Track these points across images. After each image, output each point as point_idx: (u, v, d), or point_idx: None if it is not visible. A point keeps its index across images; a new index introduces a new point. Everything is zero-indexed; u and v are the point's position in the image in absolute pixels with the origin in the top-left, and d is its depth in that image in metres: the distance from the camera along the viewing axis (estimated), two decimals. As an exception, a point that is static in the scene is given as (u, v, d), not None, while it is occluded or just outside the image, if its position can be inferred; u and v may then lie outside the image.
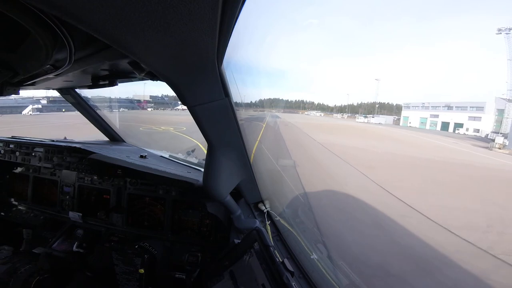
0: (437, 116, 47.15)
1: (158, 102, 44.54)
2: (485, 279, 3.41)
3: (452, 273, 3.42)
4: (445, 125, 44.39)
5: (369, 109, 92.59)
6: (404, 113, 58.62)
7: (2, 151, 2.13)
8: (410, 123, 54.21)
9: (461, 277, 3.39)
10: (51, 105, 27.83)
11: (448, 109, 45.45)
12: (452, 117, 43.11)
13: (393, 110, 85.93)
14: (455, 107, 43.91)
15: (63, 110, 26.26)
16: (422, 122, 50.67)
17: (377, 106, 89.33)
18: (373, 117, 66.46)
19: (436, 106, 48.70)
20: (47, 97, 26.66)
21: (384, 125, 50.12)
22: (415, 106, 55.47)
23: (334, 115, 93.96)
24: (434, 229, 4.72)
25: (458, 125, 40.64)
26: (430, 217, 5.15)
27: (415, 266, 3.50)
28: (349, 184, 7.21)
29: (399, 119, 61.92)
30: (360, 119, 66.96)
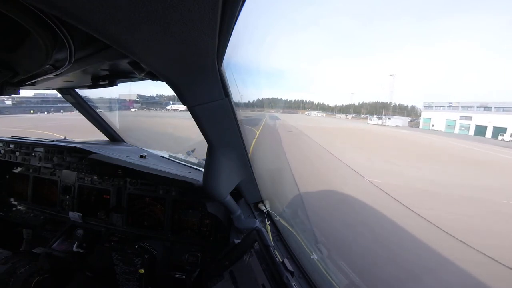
0: (469, 118, 37.81)
1: (148, 102, 44.69)
2: None
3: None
4: (480, 129, 35.25)
5: (371, 109, 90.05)
6: (424, 114, 49.21)
7: (2, 151, 2.13)
8: (433, 125, 44.74)
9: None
10: (17, 107, 24.72)
11: (485, 109, 36.63)
12: (490, 120, 34.14)
13: (396, 110, 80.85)
14: (495, 107, 35.42)
15: (31, 111, 24.61)
16: (449, 125, 41.30)
17: (391, 106, 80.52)
18: (389, 118, 56.43)
19: (468, 107, 39.59)
20: (12, 98, 24.30)
21: (403, 128, 42.93)
22: (440, 106, 45.70)
23: (337, 115, 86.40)
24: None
25: (500, 130, 31.62)
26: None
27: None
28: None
29: (414, 120, 54.12)
30: (373, 120, 57.40)
